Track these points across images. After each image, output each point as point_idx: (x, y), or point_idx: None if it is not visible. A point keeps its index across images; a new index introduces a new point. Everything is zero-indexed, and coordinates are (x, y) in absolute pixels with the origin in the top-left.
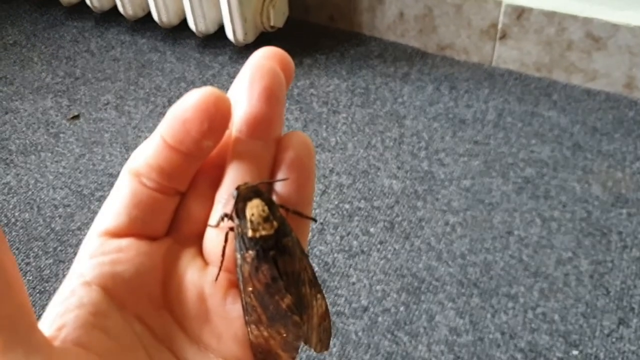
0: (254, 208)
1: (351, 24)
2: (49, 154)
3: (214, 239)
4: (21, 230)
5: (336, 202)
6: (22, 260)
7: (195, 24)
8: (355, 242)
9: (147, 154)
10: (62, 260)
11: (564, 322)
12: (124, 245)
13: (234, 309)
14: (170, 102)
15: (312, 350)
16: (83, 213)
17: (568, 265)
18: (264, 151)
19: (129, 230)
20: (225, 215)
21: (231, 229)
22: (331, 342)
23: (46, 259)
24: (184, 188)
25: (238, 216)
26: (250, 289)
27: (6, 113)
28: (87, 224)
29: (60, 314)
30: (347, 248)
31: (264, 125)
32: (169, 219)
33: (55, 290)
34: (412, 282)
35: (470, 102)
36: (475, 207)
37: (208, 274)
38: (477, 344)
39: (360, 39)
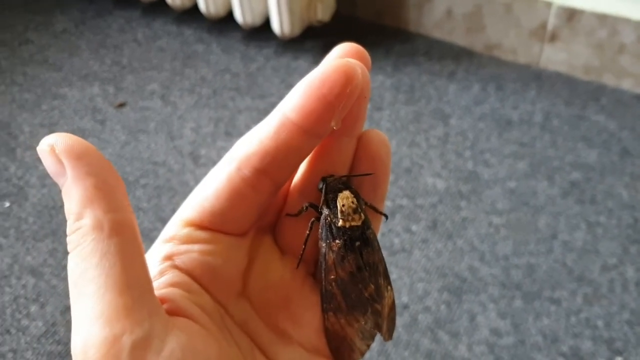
0: (345, 199)
1: (398, 21)
2: (95, 140)
3: (292, 229)
4: None
5: None
6: None
7: (242, 16)
8: (396, 240)
9: (261, 137)
10: None
11: (608, 329)
12: (214, 238)
13: (311, 295)
14: (215, 93)
15: (382, 338)
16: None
17: (613, 271)
18: (347, 146)
19: (220, 227)
20: (309, 205)
21: (317, 218)
22: None
23: None
24: (284, 183)
25: (328, 206)
26: (333, 277)
27: (55, 99)
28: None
29: (158, 290)
30: (388, 245)
31: (350, 122)
32: (258, 218)
33: None
34: (453, 282)
35: (516, 104)
36: (519, 209)
37: (286, 263)
38: (518, 346)
39: (407, 36)
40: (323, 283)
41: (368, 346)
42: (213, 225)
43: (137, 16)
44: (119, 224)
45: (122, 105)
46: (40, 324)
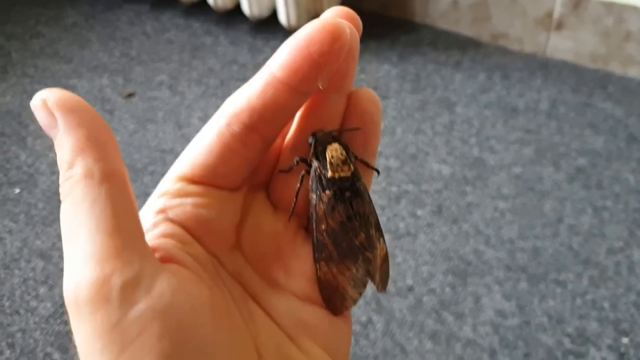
0: (334, 151)
1: (404, 12)
2: None
3: (284, 184)
4: None
5: (383, 185)
6: None
7: (250, 8)
8: (401, 224)
9: (249, 94)
10: None
11: (614, 310)
12: (206, 191)
13: (304, 247)
14: (223, 84)
15: (375, 289)
16: (136, 186)
17: (619, 254)
18: (336, 103)
19: (212, 181)
20: (299, 160)
21: (307, 172)
22: (375, 318)
23: None
24: (274, 139)
25: (317, 158)
26: (324, 227)
27: (65, 89)
28: (139, 196)
29: (151, 241)
30: (393, 229)
31: (338, 79)
32: (249, 174)
33: None
34: (458, 265)
35: (522, 92)
36: (525, 194)
37: (278, 217)
38: (523, 327)
39: (413, 27)
40: (314, 234)
41: (360, 294)
42: (205, 179)
43: (146, 10)
44: (109, 172)
45: (130, 95)
46: (48, 305)
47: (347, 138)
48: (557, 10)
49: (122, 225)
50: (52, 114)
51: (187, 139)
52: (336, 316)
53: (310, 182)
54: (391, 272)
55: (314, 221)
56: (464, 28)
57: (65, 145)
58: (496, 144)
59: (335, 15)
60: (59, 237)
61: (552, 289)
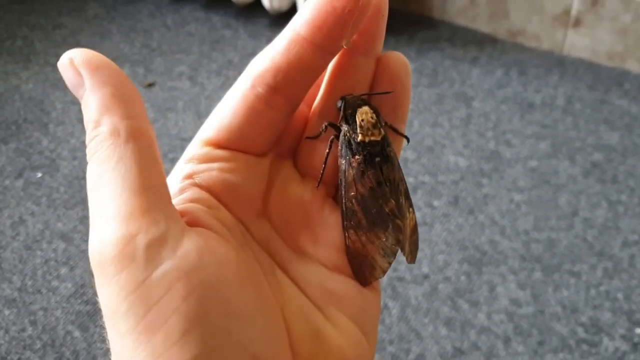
0: (364, 114)
1: (422, 8)
2: None
3: (311, 152)
4: None
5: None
6: None
7: (270, 1)
8: (418, 214)
9: (274, 54)
10: None
11: (628, 301)
12: (232, 156)
13: (332, 215)
14: None
15: (405, 259)
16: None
17: (634, 247)
18: (365, 66)
19: (238, 144)
20: (328, 124)
21: (336, 136)
22: (391, 304)
23: None
24: (300, 100)
25: (347, 122)
26: (353, 193)
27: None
28: None
29: (178, 205)
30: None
31: (367, 40)
32: (275, 138)
33: None
34: (474, 254)
35: (539, 88)
36: (540, 187)
37: (306, 185)
38: (537, 315)
39: (431, 23)
40: (343, 200)
41: (389, 263)
42: (231, 143)
43: (167, 3)
44: (136, 130)
45: (151, 85)
46: (69, 285)
47: (377, 103)
48: (575, 8)
49: (148, 185)
50: (78, 73)
51: None
52: (365, 287)
53: (339, 147)
54: None
55: (342, 188)
56: (482, 24)
57: (92, 103)
58: (512, 138)
59: None
60: (80, 220)
61: (567, 280)
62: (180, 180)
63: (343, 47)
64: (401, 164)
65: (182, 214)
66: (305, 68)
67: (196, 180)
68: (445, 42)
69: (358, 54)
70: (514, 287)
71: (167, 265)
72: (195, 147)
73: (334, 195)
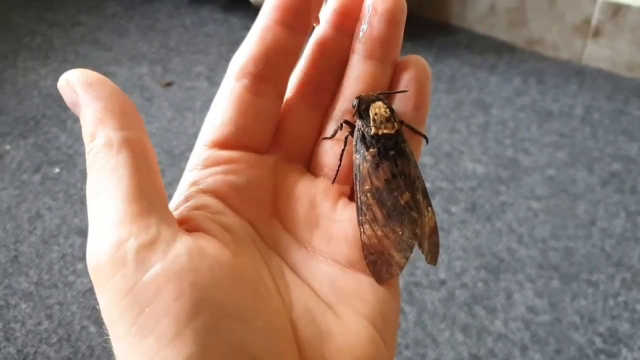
0: (377, 108)
1: (440, 14)
2: (143, 115)
3: (328, 151)
4: None
5: None
6: None
7: None
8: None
9: (250, 45)
10: None
11: None
12: (235, 156)
13: (345, 212)
14: None
15: (424, 260)
16: (173, 171)
17: None
18: (381, 72)
19: (236, 140)
20: (344, 122)
21: (351, 133)
22: (407, 309)
23: None
24: (284, 84)
25: (361, 116)
26: (368, 187)
27: (104, 76)
28: (177, 180)
29: (180, 213)
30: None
31: (383, 46)
32: (272, 129)
33: None
34: (491, 261)
35: (557, 97)
36: (558, 196)
37: (319, 184)
38: (554, 324)
39: (449, 29)
40: (358, 195)
41: (406, 259)
42: (230, 139)
43: (185, 3)
44: (128, 140)
45: (169, 84)
46: (85, 280)
47: (396, 106)
48: (595, 17)
49: (141, 192)
50: (74, 91)
51: None
52: (381, 284)
53: (353, 143)
54: (424, 266)
55: (357, 182)
56: (500, 32)
57: (87, 117)
58: (530, 146)
59: None
60: None
61: (584, 289)
62: (187, 187)
63: (314, 25)
64: (419, 169)
65: (183, 221)
66: (282, 51)
67: (201, 187)
68: (463, 49)
69: (374, 60)
70: (531, 295)
71: (156, 268)
72: (198, 152)
73: (348, 194)
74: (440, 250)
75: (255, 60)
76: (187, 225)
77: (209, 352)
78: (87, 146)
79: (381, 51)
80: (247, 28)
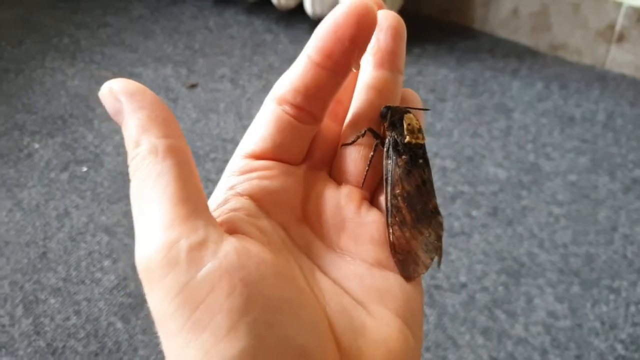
0: (411, 119)
1: (463, 18)
2: None
3: (346, 159)
4: None
5: (439, 184)
6: None
7: (312, 7)
8: (456, 223)
9: (292, 78)
10: None
11: None
12: (269, 165)
13: (369, 215)
14: None
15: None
16: (198, 171)
17: None
18: (390, 79)
19: (272, 154)
20: (368, 130)
21: (380, 143)
22: (428, 311)
23: None
24: (322, 114)
25: (394, 126)
26: (399, 191)
27: (130, 77)
28: (202, 180)
29: (219, 215)
30: (448, 228)
31: (390, 56)
32: (306, 147)
33: None
34: (512, 265)
35: (580, 102)
36: (580, 201)
37: (342, 190)
38: (575, 329)
39: (471, 33)
40: (388, 198)
41: (432, 259)
42: (267, 153)
43: (209, 5)
44: (172, 148)
45: (193, 86)
46: (112, 277)
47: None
48: (620, 23)
49: (186, 196)
50: (118, 99)
51: (246, 130)
52: (408, 282)
53: (385, 149)
54: (445, 269)
55: (388, 186)
56: (523, 37)
57: (131, 126)
58: (552, 151)
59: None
60: (123, 214)
61: (605, 295)
62: (225, 191)
63: (353, 70)
64: (440, 173)
65: (223, 223)
66: (321, 88)
67: (238, 190)
68: (486, 53)
69: (384, 69)
70: (551, 300)
71: (209, 266)
72: (236, 161)
73: (369, 198)
74: (461, 254)
75: (295, 94)
76: (227, 227)
77: (261, 344)
78: (131, 152)
79: (389, 61)
80: (270, 30)
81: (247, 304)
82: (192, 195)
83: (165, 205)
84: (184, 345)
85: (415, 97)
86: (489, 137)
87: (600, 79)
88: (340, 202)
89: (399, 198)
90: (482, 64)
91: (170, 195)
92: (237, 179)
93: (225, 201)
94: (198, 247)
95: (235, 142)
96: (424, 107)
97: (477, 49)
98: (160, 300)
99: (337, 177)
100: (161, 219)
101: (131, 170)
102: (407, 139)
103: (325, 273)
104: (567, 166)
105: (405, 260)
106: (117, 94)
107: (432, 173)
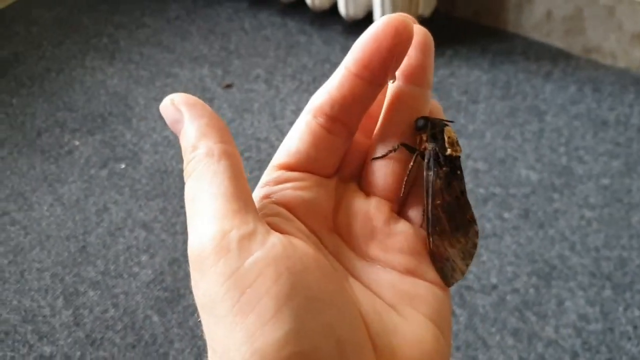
0: (450, 132)
1: (496, 21)
2: None
3: (376, 172)
4: (177, 179)
5: (471, 186)
6: (181, 206)
7: (346, 8)
8: (488, 225)
9: (329, 88)
10: None
11: None
12: (303, 176)
13: (398, 226)
14: (315, 81)
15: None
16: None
17: None
18: (420, 96)
19: (306, 167)
20: (401, 144)
21: (420, 155)
22: (458, 312)
23: None
24: (356, 126)
25: (435, 138)
26: (439, 201)
27: (167, 77)
28: None
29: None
30: (479, 229)
31: (419, 71)
32: (339, 161)
33: None
34: (543, 268)
35: (613, 106)
36: (612, 205)
37: (371, 201)
38: (606, 333)
39: (504, 36)
40: (429, 208)
41: (467, 266)
42: (300, 165)
43: (244, 7)
44: (226, 152)
45: (229, 86)
46: (149, 272)
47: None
48: None
49: (238, 194)
50: (178, 110)
51: (280, 130)
52: (448, 287)
53: (425, 161)
54: (476, 270)
55: (429, 196)
56: (556, 40)
57: (190, 132)
58: (585, 155)
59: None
60: (160, 210)
61: (638, 300)
62: (259, 200)
63: (389, 83)
64: (472, 174)
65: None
66: (357, 100)
67: (273, 199)
68: (518, 56)
69: (413, 84)
70: (582, 303)
71: (257, 254)
72: (270, 172)
73: (397, 210)
74: (492, 256)
75: (332, 104)
76: (270, 227)
77: (304, 329)
78: (188, 156)
79: (418, 76)
80: (304, 32)
81: (292, 289)
82: (242, 194)
83: (219, 200)
84: (230, 329)
85: (439, 110)
86: (521, 140)
87: (635, 82)
88: (370, 213)
89: (439, 208)
90: (515, 66)
91: (224, 192)
92: (272, 189)
93: (261, 209)
94: (248, 237)
95: (268, 142)
96: (449, 120)
97: (510, 51)
98: (211, 285)
99: (365, 189)
100: (215, 212)
101: (187, 171)
102: (449, 151)
103: (356, 278)
104: (600, 169)
105: (443, 267)
106: (179, 105)
107: (465, 174)
